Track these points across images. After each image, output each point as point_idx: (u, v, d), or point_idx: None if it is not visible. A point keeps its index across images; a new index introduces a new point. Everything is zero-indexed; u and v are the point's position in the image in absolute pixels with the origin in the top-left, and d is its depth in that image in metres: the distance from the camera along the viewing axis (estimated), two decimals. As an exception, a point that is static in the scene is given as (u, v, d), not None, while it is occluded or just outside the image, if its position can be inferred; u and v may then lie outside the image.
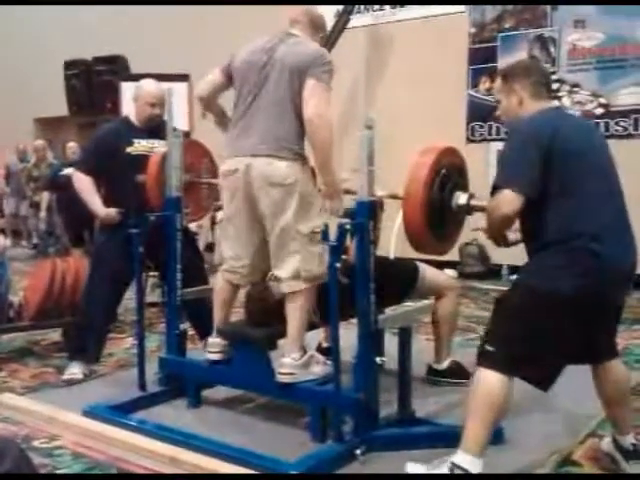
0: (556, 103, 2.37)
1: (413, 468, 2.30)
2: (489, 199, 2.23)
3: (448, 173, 2.47)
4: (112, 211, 3.47)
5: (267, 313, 2.85)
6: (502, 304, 2.27)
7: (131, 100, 3.63)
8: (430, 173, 2.41)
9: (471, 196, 2.47)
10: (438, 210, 2.44)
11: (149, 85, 3.56)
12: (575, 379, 2.38)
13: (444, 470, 2.17)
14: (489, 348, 2.18)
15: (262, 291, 2.87)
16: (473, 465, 2.13)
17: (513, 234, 2.38)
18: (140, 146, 3.52)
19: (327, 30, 3.06)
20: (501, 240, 2.37)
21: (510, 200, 2.12)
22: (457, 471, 2.13)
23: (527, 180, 2.12)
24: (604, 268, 2.11)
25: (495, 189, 2.18)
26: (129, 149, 3.50)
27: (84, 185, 3.55)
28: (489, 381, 2.15)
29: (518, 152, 2.18)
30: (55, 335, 4.10)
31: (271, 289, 2.86)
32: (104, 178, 3.58)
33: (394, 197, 2.63)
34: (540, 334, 2.13)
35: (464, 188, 2.55)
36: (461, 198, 2.46)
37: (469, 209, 2.48)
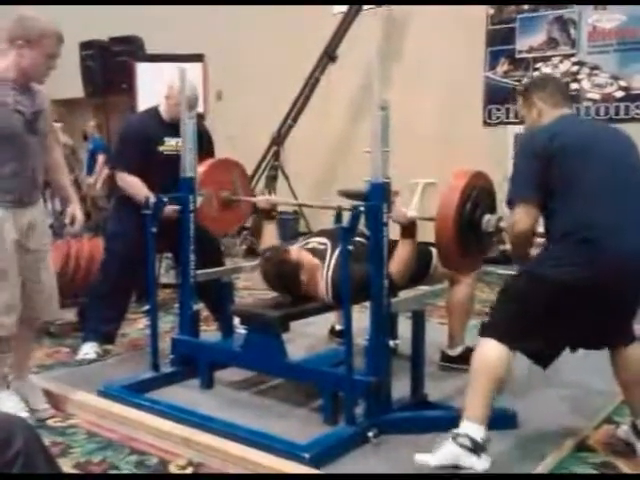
0: (572, 110, 2.51)
1: (421, 458, 2.26)
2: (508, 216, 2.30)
3: (478, 196, 2.52)
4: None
5: (282, 276, 2.86)
6: (505, 288, 2.37)
7: (162, 95, 3.54)
8: (462, 196, 2.46)
9: (499, 219, 2.51)
10: (469, 231, 2.49)
11: None
12: (590, 360, 2.37)
13: (448, 443, 2.20)
14: (487, 320, 2.31)
15: (281, 254, 2.87)
16: (476, 432, 2.18)
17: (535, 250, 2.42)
18: (169, 145, 3.52)
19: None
20: (525, 259, 2.38)
21: (521, 217, 2.22)
22: (460, 439, 2.18)
23: (533, 192, 2.21)
24: (605, 259, 2.13)
25: (510, 203, 2.27)
26: (161, 148, 3.51)
27: (129, 183, 3.49)
28: (486, 349, 2.24)
29: (521, 166, 2.29)
30: (70, 315, 4.11)
31: (290, 253, 2.85)
32: (137, 173, 3.54)
33: (428, 219, 2.63)
34: (537, 313, 2.21)
35: (492, 210, 2.59)
36: (491, 221, 2.50)
37: (498, 231, 2.55)
